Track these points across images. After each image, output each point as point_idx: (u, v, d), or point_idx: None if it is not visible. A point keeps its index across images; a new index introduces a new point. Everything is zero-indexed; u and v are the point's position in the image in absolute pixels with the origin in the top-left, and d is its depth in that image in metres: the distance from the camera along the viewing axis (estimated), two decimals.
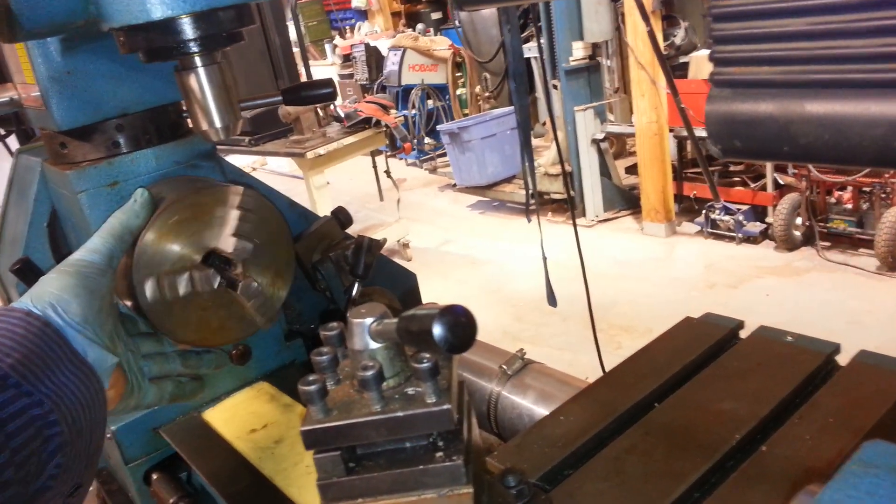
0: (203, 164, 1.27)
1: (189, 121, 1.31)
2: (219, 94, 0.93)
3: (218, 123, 0.95)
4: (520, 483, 0.76)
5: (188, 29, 0.84)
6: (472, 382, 1.41)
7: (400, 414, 0.62)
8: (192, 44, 0.86)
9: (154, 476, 1.36)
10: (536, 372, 1.36)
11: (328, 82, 1.31)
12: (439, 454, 0.64)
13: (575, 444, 0.86)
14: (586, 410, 0.92)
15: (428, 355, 0.62)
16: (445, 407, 0.62)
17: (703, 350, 1.00)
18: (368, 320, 0.65)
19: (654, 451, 0.83)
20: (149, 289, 1.04)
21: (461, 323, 0.54)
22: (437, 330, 0.54)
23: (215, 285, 1.06)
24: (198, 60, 0.90)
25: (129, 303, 1.08)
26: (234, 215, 1.12)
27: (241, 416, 1.34)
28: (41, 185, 1.39)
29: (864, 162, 0.60)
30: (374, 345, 0.65)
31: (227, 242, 1.10)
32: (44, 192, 1.40)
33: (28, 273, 1.31)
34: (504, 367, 1.37)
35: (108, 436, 1.34)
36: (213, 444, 1.27)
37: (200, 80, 0.92)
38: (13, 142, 2.85)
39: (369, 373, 0.62)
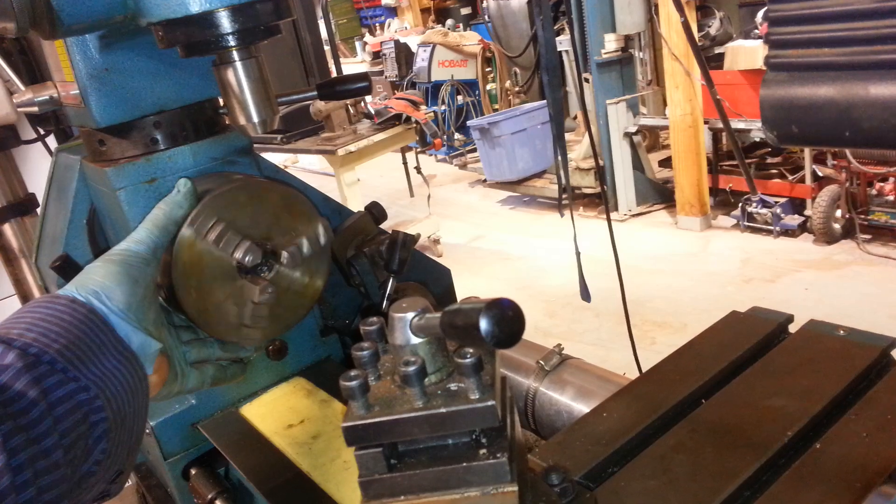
0: (239, 160, 1.27)
1: (226, 117, 1.32)
2: (256, 89, 0.93)
3: (255, 117, 0.95)
4: (563, 481, 0.75)
5: (226, 22, 0.84)
6: (509, 378, 1.39)
7: (443, 410, 0.61)
8: (230, 37, 0.85)
9: (192, 471, 1.36)
10: (574, 368, 1.33)
11: (363, 76, 1.30)
12: (483, 451, 0.63)
13: (619, 441, 0.84)
14: (630, 407, 0.90)
15: (471, 350, 0.60)
16: (490, 403, 0.60)
17: (750, 345, 0.97)
18: (410, 315, 0.64)
19: (702, 448, 0.80)
20: (191, 295, 1.05)
21: (508, 317, 0.53)
22: (484, 324, 0.52)
23: (269, 295, 1.09)
24: (236, 55, 0.90)
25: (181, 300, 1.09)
26: (269, 210, 1.12)
27: (278, 412, 1.34)
28: (80, 182, 1.40)
29: None
30: (415, 340, 0.64)
31: (285, 243, 1.12)
32: (83, 190, 1.41)
33: (68, 269, 1.33)
34: (541, 362, 1.35)
35: (148, 431, 1.35)
36: (251, 440, 1.27)
37: (238, 75, 0.91)
38: (51, 142, 2.91)
39: (411, 368, 0.61)
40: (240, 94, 0.93)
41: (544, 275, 6.23)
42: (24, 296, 2.82)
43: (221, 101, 1.30)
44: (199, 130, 1.26)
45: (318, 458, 1.18)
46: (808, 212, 5.82)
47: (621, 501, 0.76)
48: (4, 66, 1.39)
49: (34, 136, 2.89)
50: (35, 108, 1.36)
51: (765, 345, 0.98)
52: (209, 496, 1.29)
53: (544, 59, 3.06)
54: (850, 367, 0.87)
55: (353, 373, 0.63)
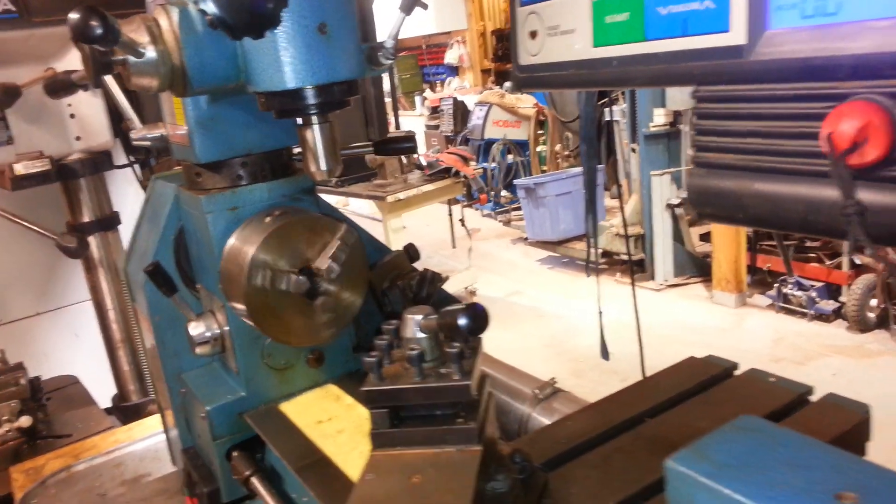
0: (304, 198, 1.57)
1: (297, 163, 1.62)
2: (327, 146, 1.23)
3: (324, 167, 1.25)
4: (524, 461, 0.98)
5: (311, 96, 1.14)
6: (507, 404, 1.62)
7: (433, 385, 0.86)
8: (312, 107, 1.15)
9: (234, 454, 1.62)
10: (565, 398, 1.56)
11: (410, 137, 1.59)
12: (459, 420, 0.87)
13: (574, 442, 1.06)
14: (590, 419, 1.13)
15: (457, 343, 0.86)
16: (466, 382, 0.85)
17: (696, 382, 1.19)
18: (418, 317, 0.90)
19: (638, 452, 1.02)
20: (272, 325, 1.35)
21: (478, 315, 0.78)
22: (462, 320, 0.78)
23: (303, 290, 1.36)
24: (315, 119, 1.20)
25: (240, 306, 1.37)
26: (299, 238, 1.40)
27: (312, 410, 1.59)
28: (174, 206, 1.71)
29: (793, 229, 0.82)
30: (420, 335, 0.89)
31: (321, 261, 1.39)
32: (175, 212, 1.72)
33: (157, 275, 1.63)
34: (536, 391, 1.58)
35: (202, 415, 1.61)
36: (287, 430, 1.52)
37: (315, 134, 1.21)
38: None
39: (415, 353, 0.87)
40: (314, 148, 1.23)
41: (576, 335, 6.37)
42: (98, 302, 3.16)
43: (295, 150, 1.61)
44: (276, 171, 1.56)
45: (340, 448, 1.42)
46: (843, 298, 5.87)
47: (567, 483, 0.98)
48: (129, 108, 1.73)
49: (125, 161, 3.28)
50: (147, 143, 1.70)
51: (709, 384, 1.20)
52: (246, 473, 1.54)
53: (583, 130, 3.36)
54: (771, 403, 1.09)
55: (373, 353, 0.89)
